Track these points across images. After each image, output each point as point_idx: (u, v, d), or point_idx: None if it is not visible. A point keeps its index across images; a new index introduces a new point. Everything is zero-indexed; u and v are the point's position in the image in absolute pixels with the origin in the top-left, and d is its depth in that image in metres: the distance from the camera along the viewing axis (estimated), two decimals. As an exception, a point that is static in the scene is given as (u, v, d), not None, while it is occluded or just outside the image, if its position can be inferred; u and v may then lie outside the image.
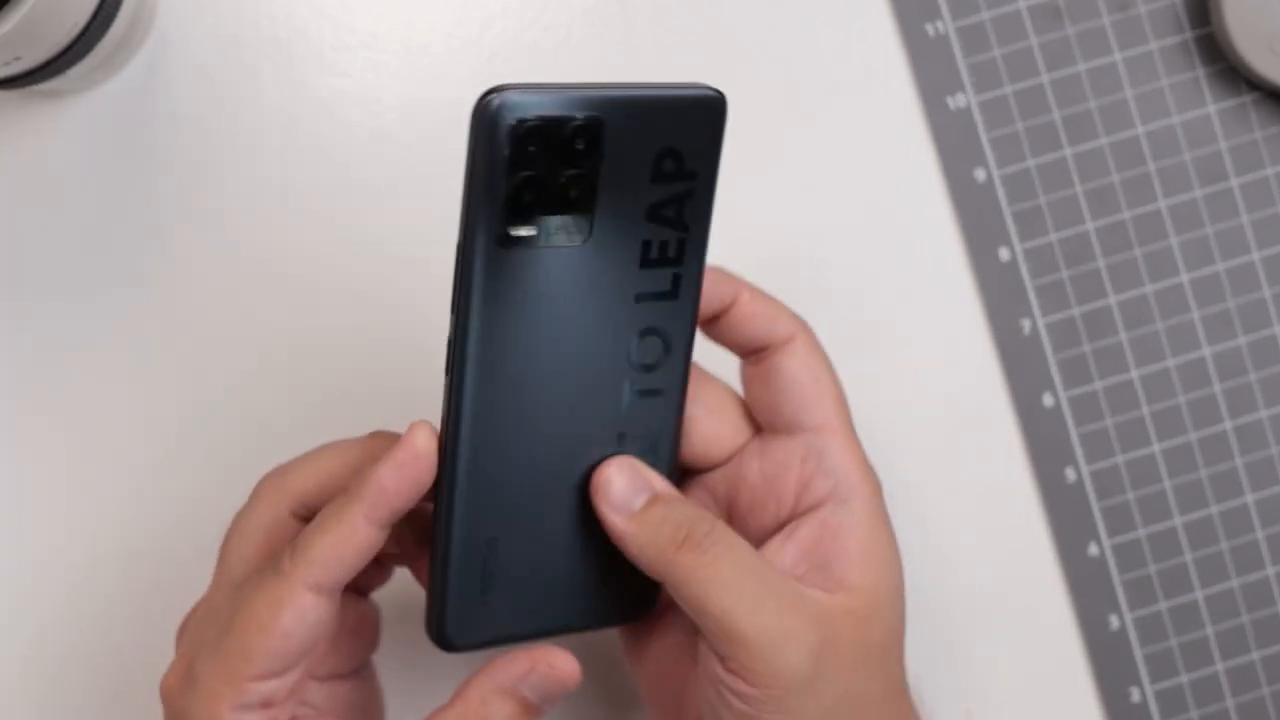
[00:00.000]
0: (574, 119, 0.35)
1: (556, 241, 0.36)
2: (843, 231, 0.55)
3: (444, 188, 0.57)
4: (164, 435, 0.53)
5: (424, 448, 0.37)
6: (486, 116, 0.34)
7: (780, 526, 0.42)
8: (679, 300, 0.39)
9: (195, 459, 0.52)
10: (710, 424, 0.43)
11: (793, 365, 0.42)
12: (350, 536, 0.37)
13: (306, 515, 0.39)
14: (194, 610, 0.41)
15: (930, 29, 0.55)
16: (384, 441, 0.39)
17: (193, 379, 0.53)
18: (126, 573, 0.52)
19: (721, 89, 0.38)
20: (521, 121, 0.34)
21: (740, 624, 0.37)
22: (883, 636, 0.41)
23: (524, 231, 0.36)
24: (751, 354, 0.42)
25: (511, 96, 0.34)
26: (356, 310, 0.53)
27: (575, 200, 0.36)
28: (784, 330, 0.42)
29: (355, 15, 0.54)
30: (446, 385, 0.37)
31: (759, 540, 0.42)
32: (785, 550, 0.41)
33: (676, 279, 0.38)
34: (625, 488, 0.40)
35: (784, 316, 0.42)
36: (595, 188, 0.36)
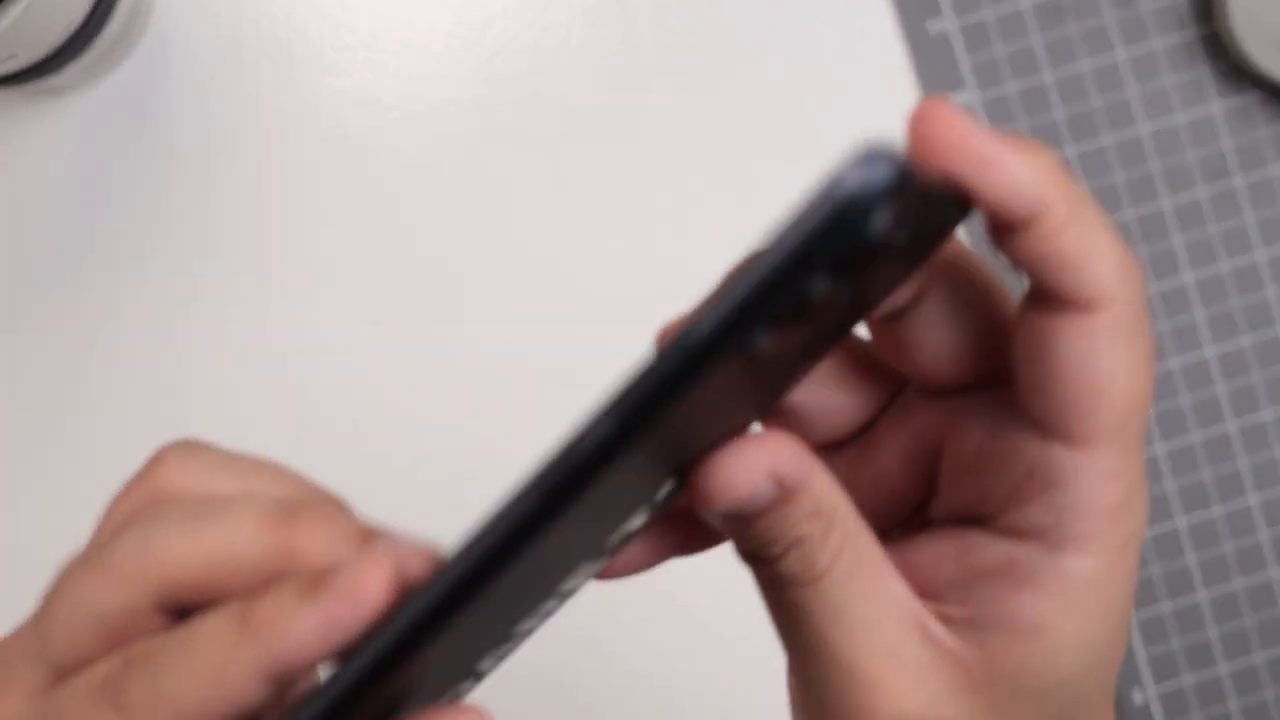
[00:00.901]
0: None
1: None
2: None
3: (443, 187, 0.57)
4: (164, 433, 0.52)
5: (374, 597, 0.25)
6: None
7: (970, 515, 0.30)
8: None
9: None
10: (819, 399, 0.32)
11: (1076, 350, 0.27)
12: (230, 688, 0.25)
13: (174, 611, 0.27)
14: None
15: (932, 27, 0.55)
16: (317, 528, 0.26)
17: (190, 377, 0.53)
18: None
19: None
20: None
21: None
22: None
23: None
24: (1036, 296, 0.28)
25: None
26: (355, 307, 0.53)
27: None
28: (1088, 294, 0.27)
29: (355, 15, 0.54)
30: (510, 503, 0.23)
31: (948, 515, 0.31)
32: (943, 566, 0.30)
33: None
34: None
35: (1102, 270, 0.27)
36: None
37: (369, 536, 0.26)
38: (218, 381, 0.53)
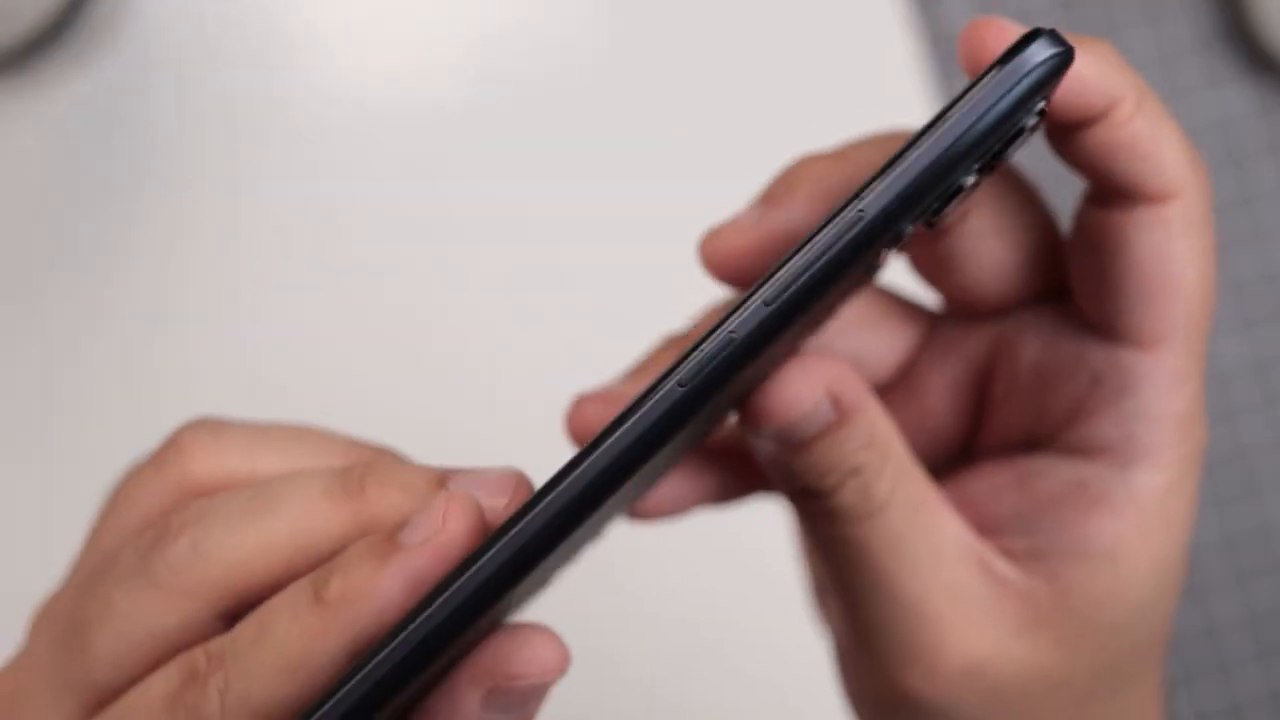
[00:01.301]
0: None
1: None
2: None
3: (425, 185, 0.57)
4: (143, 428, 0.51)
5: (457, 540, 0.22)
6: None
7: (1026, 442, 0.29)
8: None
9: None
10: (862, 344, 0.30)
11: (1148, 242, 0.26)
12: (319, 673, 0.23)
13: (237, 614, 0.24)
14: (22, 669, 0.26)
15: (943, 18, 0.54)
16: (389, 489, 0.24)
17: (168, 372, 0.52)
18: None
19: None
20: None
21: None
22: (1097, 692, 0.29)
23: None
24: (1103, 194, 0.27)
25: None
26: (344, 306, 0.53)
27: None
28: (1165, 180, 0.26)
29: (334, 14, 0.53)
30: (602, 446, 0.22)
31: (1000, 442, 0.30)
32: (1002, 498, 0.29)
33: None
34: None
35: (1173, 158, 0.26)
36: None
37: (443, 480, 0.24)
38: (197, 377, 0.52)
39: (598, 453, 0.22)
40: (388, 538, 0.23)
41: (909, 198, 0.21)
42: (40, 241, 0.53)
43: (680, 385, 0.21)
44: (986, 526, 0.29)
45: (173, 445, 0.26)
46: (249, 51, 0.53)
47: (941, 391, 0.31)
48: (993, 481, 0.29)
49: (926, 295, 0.31)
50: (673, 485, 0.31)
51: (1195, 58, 0.54)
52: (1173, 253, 0.26)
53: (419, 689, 0.23)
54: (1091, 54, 0.25)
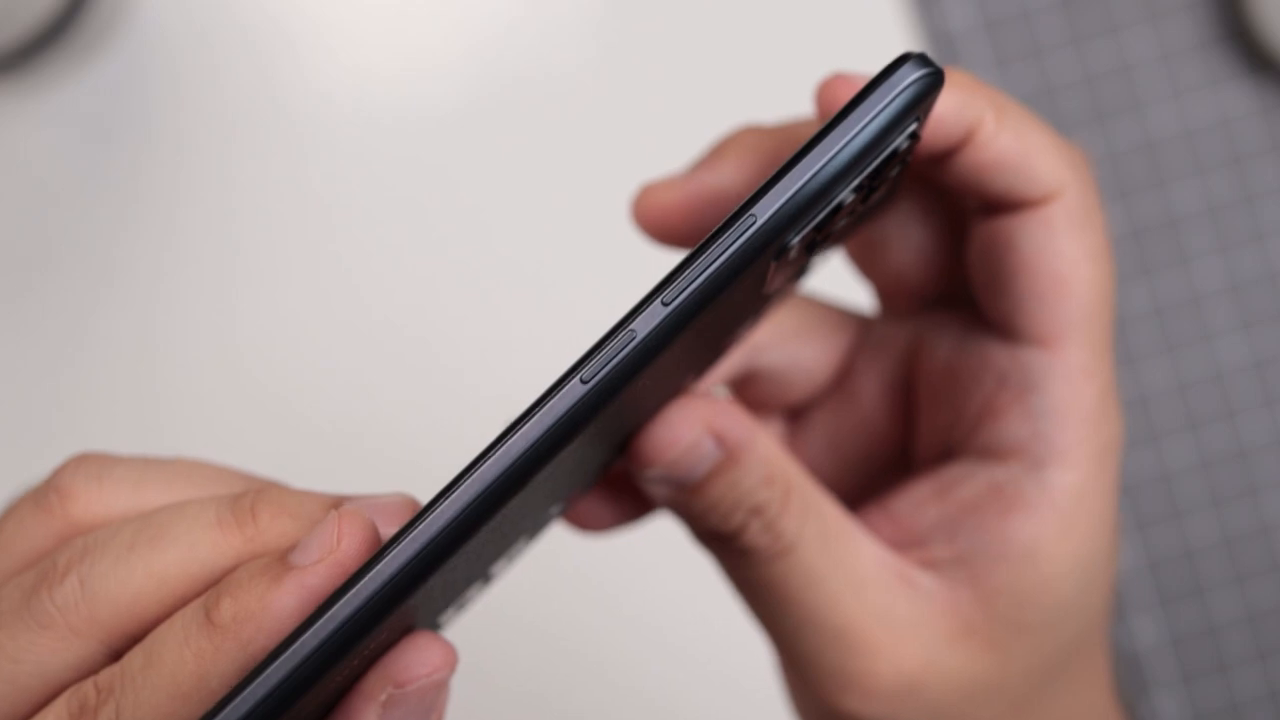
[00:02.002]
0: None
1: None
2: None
3: (430, 185, 0.57)
4: (137, 429, 0.51)
5: (352, 558, 0.22)
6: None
7: (947, 447, 0.29)
8: None
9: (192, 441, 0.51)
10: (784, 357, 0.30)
11: (1032, 243, 0.27)
12: (213, 694, 0.22)
13: (124, 649, 0.23)
14: None
15: (945, 16, 0.54)
16: (280, 515, 0.24)
17: (163, 372, 0.52)
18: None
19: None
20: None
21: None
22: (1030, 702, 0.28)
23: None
24: (986, 209, 0.28)
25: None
26: (344, 306, 0.52)
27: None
28: (1041, 185, 0.26)
29: (337, 16, 0.53)
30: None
31: (927, 451, 0.30)
32: (924, 510, 0.29)
33: None
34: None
35: (1045, 163, 0.26)
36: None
37: (336, 504, 0.24)
38: (195, 377, 0.52)
39: (498, 453, 0.21)
40: (279, 559, 0.22)
41: (797, 207, 0.22)
42: (39, 241, 0.53)
43: (583, 382, 0.21)
44: (910, 539, 0.29)
45: (53, 485, 0.25)
46: (248, 52, 0.53)
47: (876, 395, 0.31)
48: (916, 494, 0.29)
49: (860, 301, 0.32)
50: (603, 500, 0.31)
51: (1195, 58, 0.54)
52: (1058, 250, 0.27)
53: (317, 705, 0.22)
54: (945, 87, 0.25)
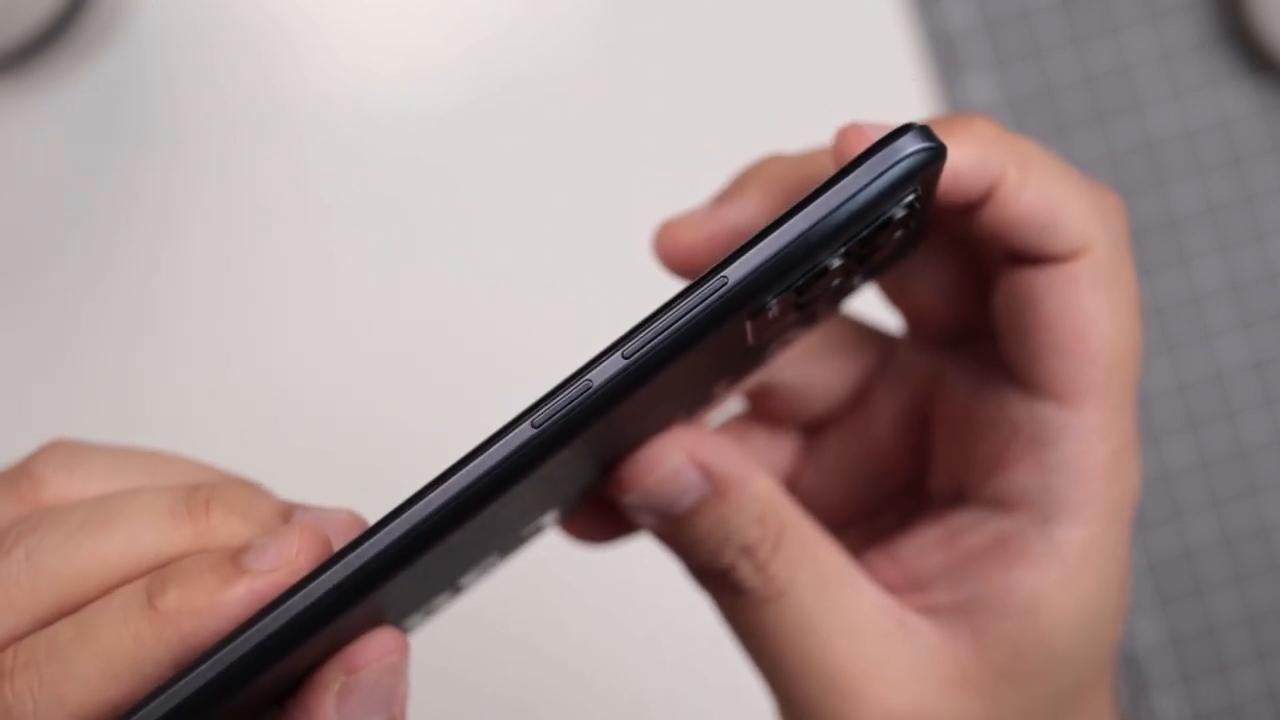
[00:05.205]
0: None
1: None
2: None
3: (430, 185, 0.57)
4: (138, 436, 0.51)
5: (301, 570, 0.22)
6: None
7: (958, 491, 0.29)
8: None
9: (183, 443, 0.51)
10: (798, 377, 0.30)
11: (1057, 300, 0.26)
12: (143, 681, 0.22)
13: None
14: None
15: (944, 16, 0.53)
16: (232, 515, 0.24)
17: (155, 373, 0.52)
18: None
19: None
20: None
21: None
22: None
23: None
24: (1012, 259, 0.27)
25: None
26: (343, 306, 0.52)
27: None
28: (1066, 242, 0.26)
29: (335, 15, 0.53)
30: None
31: (940, 486, 0.30)
32: (929, 555, 0.29)
33: None
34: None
35: (1071, 219, 0.26)
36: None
37: (288, 513, 0.24)
38: (192, 377, 0.52)
39: (441, 488, 0.22)
40: (230, 558, 0.22)
41: (770, 273, 0.22)
42: (38, 241, 0.52)
43: (534, 426, 0.22)
44: (914, 583, 0.29)
45: (26, 470, 0.25)
46: (248, 52, 0.53)
47: (892, 421, 0.31)
48: (922, 538, 0.29)
49: (888, 318, 0.31)
50: (600, 514, 0.31)
51: (1195, 58, 0.54)
52: (1081, 308, 0.26)
53: (264, 697, 0.23)
54: (963, 141, 0.25)
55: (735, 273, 0.22)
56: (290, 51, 0.53)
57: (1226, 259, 0.56)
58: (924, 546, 0.29)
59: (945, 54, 0.55)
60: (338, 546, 0.22)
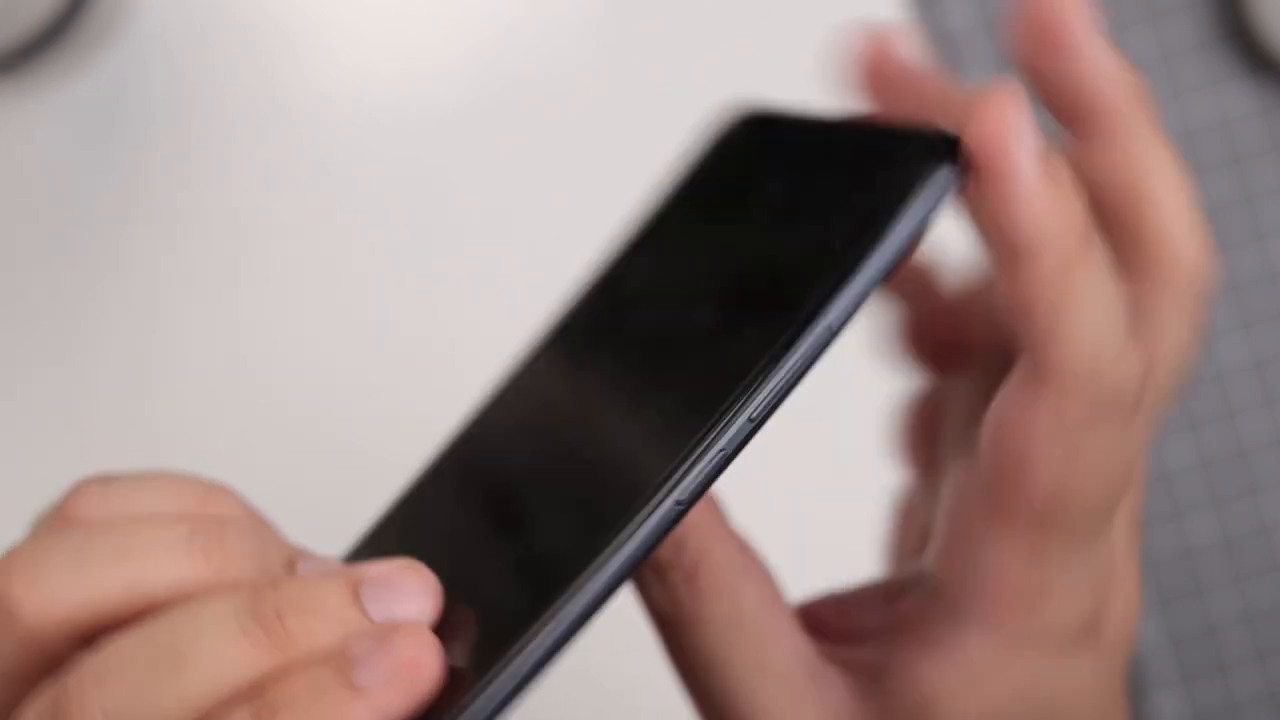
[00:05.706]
0: None
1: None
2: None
3: (431, 185, 0.57)
4: (137, 436, 0.51)
5: (432, 678, 0.22)
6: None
7: (921, 545, 0.29)
8: None
9: (171, 453, 0.51)
10: None
11: (1009, 419, 0.24)
12: None
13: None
14: None
15: (945, 18, 0.53)
16: (245, 558, 0.24)
17: (160, 373, 0.52)
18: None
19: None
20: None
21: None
22: None
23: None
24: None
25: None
26: (344, 306, 0.52)
27: None
28: (1043, 371, 0.23)
29: (336, 16, 0.53)
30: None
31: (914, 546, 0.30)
32: (870, 610, 0.28)
33: None
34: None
35: (1067, 343, 0.23)
36: None
37: (356, 586, 0.23)
38: (193, 377, 0.52)
39: (592, 577, 0.22)
40: (336, 673, 0.21)
41: (857, 308, 0.22)
42: (38, 242, 0.52)
43: (678, 504, 0.22)
44: (851, 634, 0.28)
45: (68, 497, 0.25)
46: (248, 52, 0.52)
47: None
48: (872, 590, 0.29)
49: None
50: None
51: (1195, 58, 0.54)
52: (1031, 442, 0.23)
53: None
54: (1040, 192, 0.22)
55: (837, 319, 0.21)
56: (290, 51, 0.53)
57: (1226, 259, 0.56)
58: (868, 600, 0.28)
59: (945, 54, 0.55)
60: (412, 608, 0.22)
